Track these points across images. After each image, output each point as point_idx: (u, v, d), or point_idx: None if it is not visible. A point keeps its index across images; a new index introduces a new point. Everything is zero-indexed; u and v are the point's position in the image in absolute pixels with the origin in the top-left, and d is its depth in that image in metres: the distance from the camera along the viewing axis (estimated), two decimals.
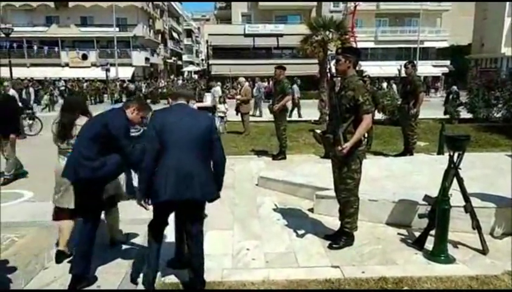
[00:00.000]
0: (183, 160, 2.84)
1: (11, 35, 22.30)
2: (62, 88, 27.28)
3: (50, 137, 3.92)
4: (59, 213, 3.76)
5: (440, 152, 7.84)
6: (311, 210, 4.85)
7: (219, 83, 17.23)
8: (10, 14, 37.81)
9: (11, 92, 11.19)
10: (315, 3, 39.30)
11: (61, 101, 25.03)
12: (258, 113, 17.32)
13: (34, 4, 37.39)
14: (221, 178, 3.11)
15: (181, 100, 3.11)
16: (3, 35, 22.27)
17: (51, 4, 37.78)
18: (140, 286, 3.12)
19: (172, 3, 56.56)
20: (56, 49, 37.73)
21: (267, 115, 13.94)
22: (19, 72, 26.11)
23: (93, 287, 3.29)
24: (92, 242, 3.29)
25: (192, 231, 3.01)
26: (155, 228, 3.04)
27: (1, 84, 6.94)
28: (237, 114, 12.61)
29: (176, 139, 2.87)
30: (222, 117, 12.19)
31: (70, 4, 37.82)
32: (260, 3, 39.26)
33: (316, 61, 15.33)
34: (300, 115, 16.21)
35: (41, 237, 4.37)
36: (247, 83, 13.16)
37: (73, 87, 27.80)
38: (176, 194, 2.81)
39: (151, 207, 3.00)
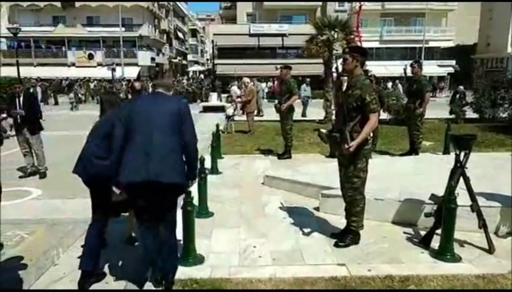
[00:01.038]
0: (149, 143, 2.84)
1: (18, 35, 22.47)
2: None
3: (54, 137, 3.98)
4: None
5: (446, 152, 7.82)
6: (317, 208, 4.87)
7: (235, 83, 17.26)
8: (17, 14, 38.14)
9: (32, 90, 11.43)
10: (320, 3, 39.27)
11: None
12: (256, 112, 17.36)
13: (41, 4, 37.65)
14: (193, 162, 3.06)
15: (160, 89, 3.14)
16: (11, 35, 22.45)
17: (58, 4, 38.04)
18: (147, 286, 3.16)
19: (178, 3, 56.71)
20: (63, 49, 37.97)
21: (268, 115, 14.00)
22: (27, 71, 26.24)
23: (102, 283, 3.34)
24: (101, 239, 3.35)
25: (166, 217, 3.00)
26: (140, 219, 3.03)
27: (21, 83, 7.09)
28: (243, 113, 12.68)
29: (142, 122, 2.90)
30: (229, 117, 12.28)
31: (77, 4, 38.07)
32: (265, 3, 39.28)
33: (321, 60, 15.33)
34: (304, 115, 16.21)
35: (49, 234, 4.44)
36: (251, 83, 13.21)
37: (81, 87, 28.06)
38: (136, 175, 2.81)
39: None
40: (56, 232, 4.49)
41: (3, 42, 36.35)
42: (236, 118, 12.91)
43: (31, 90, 11.07)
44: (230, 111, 12.58)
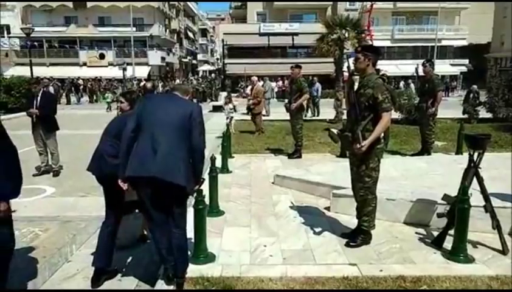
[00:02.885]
0: (156, 141, 2.86)
1: (31, 35, 22.80)
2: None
3: (66, 135, 4.04)
4: None
5: (458, 152, 7.74)
6: (328, 208, 4.85)
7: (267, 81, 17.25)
8: (31, 14, 38.70)
9: (50, 89, 11.55)
10: (330, 2, 39.07)
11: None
12: (264, 112, 17.30)
13: (54, 5, 38.12)
14: (197, 167, 3.04)
15: (176, 92, 3.18)
16: (24, 35, 22.79)
17: (70, 5, 38.47)
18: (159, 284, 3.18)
19: (188, 3, 56.96)
20: (76, 48, 38.43)
21: (278, 115, 13.96)
22: (39, 71, 26.60)
23: (114, 280, 3.38)
24: (114, 237, 3.38)
25: (174, 216, 3.01)
26: (145, 215, 3.05)
27: (39, 83, 7.17)
28: (248, 113, 12.53)
29: (152, 121, 2.93)
30: (230, 117, 11.96)
31: (89, 4, 38.47)
32: (275, 2, 39.22)
33: (331, 60, 15.27)
34: (313, 114, 16.16)
35: (63, 231, 4.50)
36: (260, 83, 13.01)
37: (92, 86, 28.41)
38: (138, 171, 2.84)
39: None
40: (69, 229, 4.56)
41: (17, 42, 36.99)
42: (238, 118, 12.72)
43: (50, 89, 11.21)
44: (227, 110, 12.10)
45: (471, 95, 14.96)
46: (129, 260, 3.77)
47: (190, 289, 3.11)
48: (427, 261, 3.54)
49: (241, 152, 8.58)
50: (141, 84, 28.06)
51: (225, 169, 6.74)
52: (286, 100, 8.40)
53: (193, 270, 3.29)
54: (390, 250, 3.73)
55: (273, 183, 6.08)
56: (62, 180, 6.85)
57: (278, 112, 14.47)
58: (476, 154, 3.67)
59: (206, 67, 58.69)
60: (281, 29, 37.63)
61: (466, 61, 39.86)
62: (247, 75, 29.26)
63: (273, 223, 4.48)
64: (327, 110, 15.79)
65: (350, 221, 4.29)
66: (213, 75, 44.32)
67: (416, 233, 4.12)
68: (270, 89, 19.70)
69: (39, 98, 6.85)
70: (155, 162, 2.82)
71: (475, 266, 3.41)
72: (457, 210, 3.47)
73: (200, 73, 50.49)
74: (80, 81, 30.73)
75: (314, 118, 15.22)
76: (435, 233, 3.91)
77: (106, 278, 3.32)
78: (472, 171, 3.64)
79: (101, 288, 3.26)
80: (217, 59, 68.87)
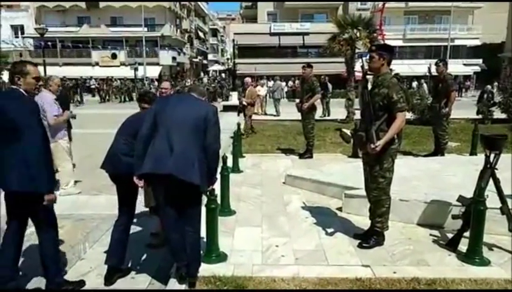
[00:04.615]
0: (172, 139, 2.90)
1: (45, 35, 23.11)
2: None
3: (82, 135, 4.07)
4: None
5: (473, 153, 7.63)
6: (340, 209, 4.82)
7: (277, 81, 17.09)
8: (44, 15, 39.24)
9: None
10: (341, 2, 38.85)
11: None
12: (274, 112, 17.28)
13: (67, 5, 38.60)
14: (212, 166, 3.08)
15: (193, 93, 3.22)
16: (38, 35, 23.10)
17: (83, 5, 38.92)
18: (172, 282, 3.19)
19: (199, 3, 57.16)
20: (89, 47, 38.87)
21: (289, 115, 13.90)
22: (52, 71, 26.93)
23: (127, 278, 3.40)
24: (127, 235, 3.40)
25: (188, 214, 3.03)
26: (161, 214, 3.07)
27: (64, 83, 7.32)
28: (238, 115, 12.38)
29: (169, 120, 2.96)
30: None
31: (101, 5, 38.87)
32: (286, 2, 39.14)
33: (342, 59, 15.21)
34: (324, 114, 16.07)
35: (76, 229, 4.55)
36: (253, 85, 12.48)
37: (100, 86, 28.74)
38: (154, 168, 2.87)
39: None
40: (82, 227, 4.60)
41: (31, 42, 37.53)
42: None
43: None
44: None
45: (485, 96, 14.74)
46: (142, 259, 3.78)
47: (202, 288, 3.11)
48: (442, 263, 3.49)
49: (252, 152, 8.58)
50: (162, 84, 28.48)
51: (236, 168, 6.74)
52: (297, 100, 8.37)
53: (205, 269, 3.29)
54: (404, 252, 3.69)
55: (284, 183, 6.06)
56: (76, 179, 6.90)
57: (289, 112, 14.41)
58: (492, 155, 3.61)
59: (216, 67, 58.85)
60: (291, 29, 37.56)
61: (480, 61, 39.26)
62: (258, 75, 29.27)
63: (285, 223, 4.46)
64: (339, 109, 15.69)
65: (362, 221, 4.26)
66: (223, 74, 44.43)
67: (430, 235, 4.07)
68: (280, 88, 19.62)
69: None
70: (171, 160, 2.85)
71: (490, 269, 3.36)
72: (473, 211, 3.42)
73: (211, 73, 50.63)
74: (93, 81, 31.05)
75: (325, 118, 15.13)
76: (450, 235, 3.86)
77: (119, 276, 3.35)
78: (488, 172, 3.57)
79: (114, 285, 3.28)
80: (228, 59, 69.00)
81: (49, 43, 33.79)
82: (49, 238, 3.01)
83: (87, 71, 35.68)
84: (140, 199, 3.65)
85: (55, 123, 5.33)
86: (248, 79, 12.78)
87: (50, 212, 2.99)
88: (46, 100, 5.30)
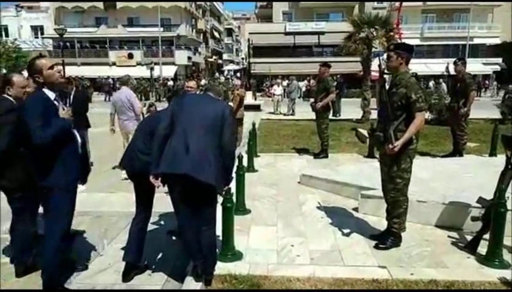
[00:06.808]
0: (189, 139, 2.91)
1: (63, 36, 23.54)
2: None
3: (97, 133, 4.12)
4: None
5: (492, 153, 7.47)
6: (356, 209, 4.78)
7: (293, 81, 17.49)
8: (63, 16, 39.99)
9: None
10: (358, 1, 38.48)
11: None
12: (290, 112, 17.23)
13: (85, 6, 39.26)
14: (228, 166, 3.08)
15: (210, 92, 3.26)
16: (57, 36, 23.54)
17: (101, 6, 39.53)
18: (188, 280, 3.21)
19: (214, 3, 57.41)
20: (106, 47, 39.46)
21: (304, 114, 13.85)
22: (71, 71, 27.43)
23: (145, 275, 3.44)
24: (144, 232, 3.44)
25: (204, 213, 3.04)
26: (177, 213, 3.08)
27: (70, 82, 7.38)
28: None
29: (185, 119, 2.97)
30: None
31: (118, 5, 39.41)
32: (301, 2, 38.99)
33: (357, 58, 15.06)
34: (334, 115, 15.94)
35: (94, 226, 4.62)
36: (240, 88, 10.88)
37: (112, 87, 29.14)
38: (170, 167, 2.89)
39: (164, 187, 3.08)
40: (100, 224, 4.68)
41: (50, 42, 38.30)
42: (266, 117, 12.60)
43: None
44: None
45: (506, 96, 14.40)
46: (159, 256, 3.83)
47: (217, 286, 3.12)
48: (460, 265, 3.43)
49: (266, 151, 8.58)
50: (188, 83, 28.79)
51: (251, 168, 6.75)
52: (312, 99, 8.33)
53: (221, 267, 3.31)
54: (421, 254, 3.64)
55: (299, 182, 6.04)
56: (92, 176, 6.98)
57: (303, 111, 14.36)
58: None
59: (231, 66, 59.02)
60: (307, 28, 37.39)
61: (499, 60, 38.34)
62: (273, 74, 29.22)
63: (300, 223, 4.45)
64: (355, 109, 15.54)
65: (379, 222, 4.22)
66: (238, 74, 44.49)
67: (449, 236, 4.00)
68: (297, 88, 19.55)
69: (71, 97, 7.04)
70: (187, 160, 2.86)
71: (510, 272, 3.28)
72: (493, 213, 3.36)
73: (226, 73, 50.79)
74: (110, 81, 31.46)
75: (337, 118, 15.00)
76: (468, 238, 3.79)
77: (136, 273, 3.39)
78: (509, 173, 3.50)
79: (131, 282, 3.33)
80: (243, 58, 69.13)
81: (68, 43, 34.45)
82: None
83: (104, 71, 36.19)
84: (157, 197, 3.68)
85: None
86: (237, 82, 11.76)
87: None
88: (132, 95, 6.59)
